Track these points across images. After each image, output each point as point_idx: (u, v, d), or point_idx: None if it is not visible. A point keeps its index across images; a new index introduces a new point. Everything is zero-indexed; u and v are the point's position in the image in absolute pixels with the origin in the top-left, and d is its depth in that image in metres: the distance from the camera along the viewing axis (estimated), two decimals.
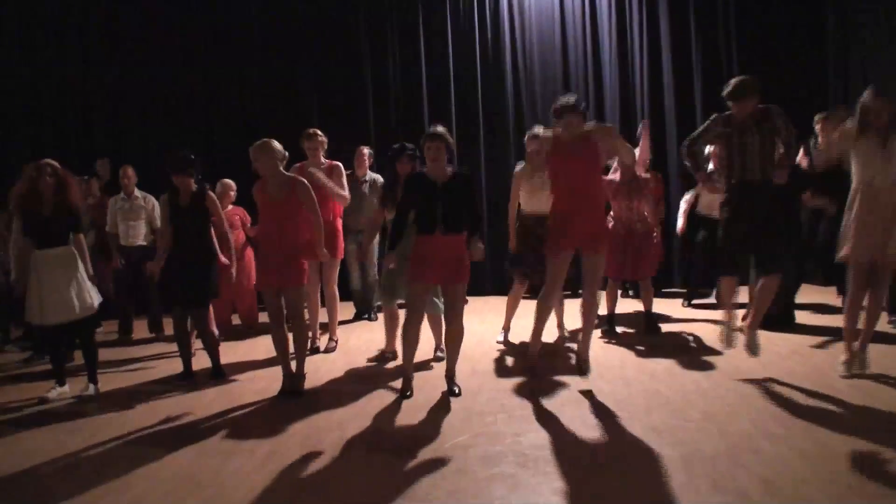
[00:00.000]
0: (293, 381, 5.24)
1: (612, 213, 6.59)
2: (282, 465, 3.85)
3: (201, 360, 5.97)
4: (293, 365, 5.31)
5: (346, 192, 6.56)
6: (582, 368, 5.08)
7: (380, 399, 5.00)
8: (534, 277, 6.25)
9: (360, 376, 5.65)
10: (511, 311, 6.69)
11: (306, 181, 5.31)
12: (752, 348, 5.18)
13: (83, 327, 5.44)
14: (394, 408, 4.78)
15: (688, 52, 9.53)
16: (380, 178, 7.50)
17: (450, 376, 5.10)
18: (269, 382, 5.54)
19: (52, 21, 9.80)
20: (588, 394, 4.88)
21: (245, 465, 3.88)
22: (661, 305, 7.95)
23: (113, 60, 9.80)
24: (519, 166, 6.28)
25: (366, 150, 7.84)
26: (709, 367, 5.41)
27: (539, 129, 6.19)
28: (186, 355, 5.82)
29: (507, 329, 6.73)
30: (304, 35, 9.86)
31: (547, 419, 4.40)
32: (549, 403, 4.71)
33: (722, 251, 5.22)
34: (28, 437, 4.60)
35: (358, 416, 4.64)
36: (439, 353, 5.98)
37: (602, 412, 4.48)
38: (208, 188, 5.82)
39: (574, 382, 5.14)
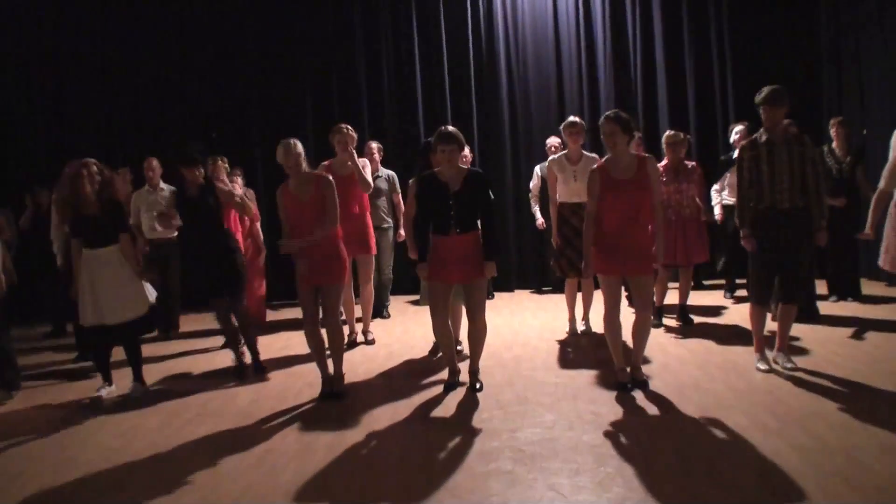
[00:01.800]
0: (332, 382, 5.09)
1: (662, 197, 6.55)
2: (277, 464, 3.85)
3: (219, 360, 5.95)
4: (330, 366, 5.13)
5: (370, 180, 6.58)
6: (638, 382, 4.89)
7: (376, 398, 4.99)
8: (570, 270, 6.29)
9: (358, 375, 5.63)
10: (572, 305, 6.69)
11: (330, 177, 5.19)
12: (790, 366, 5.08)
13: (133, 327, 5.37)
14: (390, 406, 4.78)
15: (680, 49, 9.55)
16: (393, 174, 7.54)
17: (473, 371, 5.10)
18: (264, 381, 5.56)
19: (50, 21, 9.80)
20: (582, 389, 4.88)
21: (240, 464, 3.88)
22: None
23: (107, 59, 9.80)
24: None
25: (374, 145, 7.57)
26: (704, 361, 5.41)
27: (575, 118, 6.30)
28: (236, 348, 5.80)
29: (573, 320, 6.75)
30: (298, 35, 9.84)
31: (542, 415, 4.40)
32: (544, 399, 4.71)
33: (755, 281, 5.09)
34: (26, 436, 4.59)
35: (354, 414, 4.64)
36: (458, 348, 6.05)
37: (598, 407, 4.49)
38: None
39: (569, 378, 5.15)
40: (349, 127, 6.44)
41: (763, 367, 5.09)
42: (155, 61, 9.74)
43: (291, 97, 9.82)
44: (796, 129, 4.99)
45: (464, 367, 5.20)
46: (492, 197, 4.95)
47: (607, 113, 4.86)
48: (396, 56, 9.92)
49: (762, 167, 4.93)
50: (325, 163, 6.46)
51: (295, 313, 8.12)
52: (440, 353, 6.01)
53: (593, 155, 6.32)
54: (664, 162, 6.57)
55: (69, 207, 5.25)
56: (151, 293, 5.43)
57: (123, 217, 5.44)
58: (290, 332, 7.38)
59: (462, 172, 4.85)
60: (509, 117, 9.83)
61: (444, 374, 5.28)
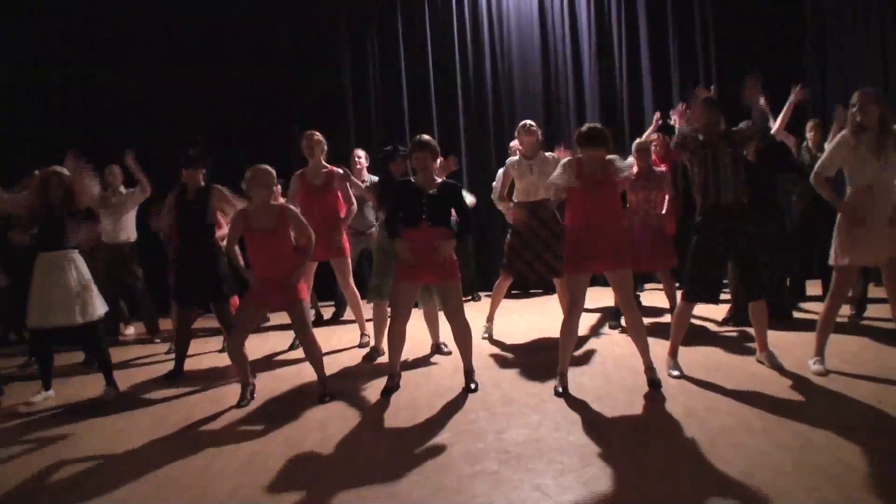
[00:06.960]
0: (322, 387, 5.10)
1: (628, 204, 6.55)
2: (265, 466, 3.85)
3: (205, 362, 5.94)
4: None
5: (353, 201, 6.52)
6: (654, 382, 4.86)
7: (362, 399, 4.99)
8: (528, 273, 6.27)
9: (344, 376, 5.63)
10: (496, 303, 6.71)
11: (293, 207, 5.19)
12: (776, 366, 5.12)
13: (91, 333, 5.39)
14: (376, 407, 4.78)
15: (665, 47, 9.62)
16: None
17: (467, 371, 5.11)
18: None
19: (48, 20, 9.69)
20: (569, 390, 4.89)
21: (228, 466, 3.87)
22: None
23: (96, 61, 9.71)
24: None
25: (360, 153, 7.62)
26: (690, 362, 5.43)
27: (530, 122, 6.31)
28: (182, 354, 5.82)
29: (491, 320, 6.76)
30: (284, 37, 9.82)
31: (528, 416, 4.41)
32: (530, 400, 4.73)
33: (691, 276, 5.05)
34: (8, 438, 4.57)
35: (340, 415, 4.64)
36: (443, 348, 6.08)
37: (583, 408, 4.51)
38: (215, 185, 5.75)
39: (554, 379, 5.15)
40: (316, 133, 6.37)
41: (675, 373, 5.09)
42: (133, 62, 9.63)
43: (275, 102, 9.75)
44: (732, 130, 5.05)
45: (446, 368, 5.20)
46: (469, 201, 4.98)
47: (588, 130, 4.76)
48: (382, 58, 9.90)
49: (707, 167, 4.94)
50: (299, 172, 6.43)
51: (279, 318, 8.10)
52: (447, 350, 6.05)
53: (550, 154, 6.35)
54: (634, 169, 6.58)
55: (34, 212, 5.23)
56: (102, 304, 5.41)
57: (93, 220, 5.47)
58: (277, 332, 7.37)
59: (436, 182, 4.91)
60: (493, 117, 9.88)
61: (433, 376, 5.29)
